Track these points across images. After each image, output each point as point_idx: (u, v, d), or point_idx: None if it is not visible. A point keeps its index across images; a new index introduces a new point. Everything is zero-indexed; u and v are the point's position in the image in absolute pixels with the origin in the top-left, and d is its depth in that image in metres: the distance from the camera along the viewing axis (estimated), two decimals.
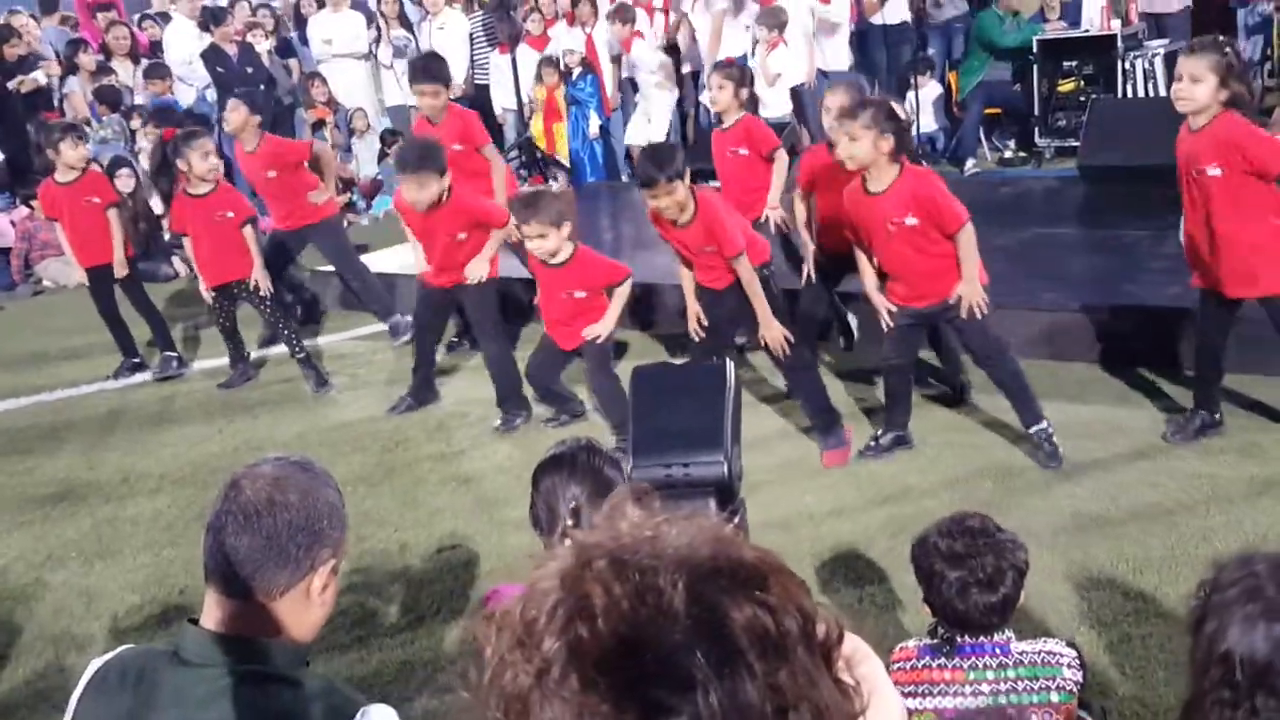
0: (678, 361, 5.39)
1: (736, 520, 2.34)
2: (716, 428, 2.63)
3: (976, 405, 5.26)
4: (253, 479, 1.79)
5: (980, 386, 5.17)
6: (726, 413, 2.71)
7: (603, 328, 5.21)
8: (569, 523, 2.30)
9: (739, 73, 6.24)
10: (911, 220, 4.51)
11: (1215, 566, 1.92)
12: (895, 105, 4.77)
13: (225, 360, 6.88)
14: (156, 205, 9.76)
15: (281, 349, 6.77)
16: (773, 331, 4.91)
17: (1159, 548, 3.95)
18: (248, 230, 6.41)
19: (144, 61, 10.99)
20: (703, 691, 0.77)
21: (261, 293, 6.40)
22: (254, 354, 6.94)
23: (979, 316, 4.60)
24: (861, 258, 4.84)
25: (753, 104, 9.90)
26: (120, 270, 6.78)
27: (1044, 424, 4.69)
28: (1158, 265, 6.30)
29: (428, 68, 6.59)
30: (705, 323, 5.12)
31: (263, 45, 11.30)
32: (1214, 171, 4.36)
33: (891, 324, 4.80)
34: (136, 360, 7.02)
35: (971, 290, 4.57)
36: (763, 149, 6.10)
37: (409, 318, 6.73)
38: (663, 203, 4.75)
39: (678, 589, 0.82)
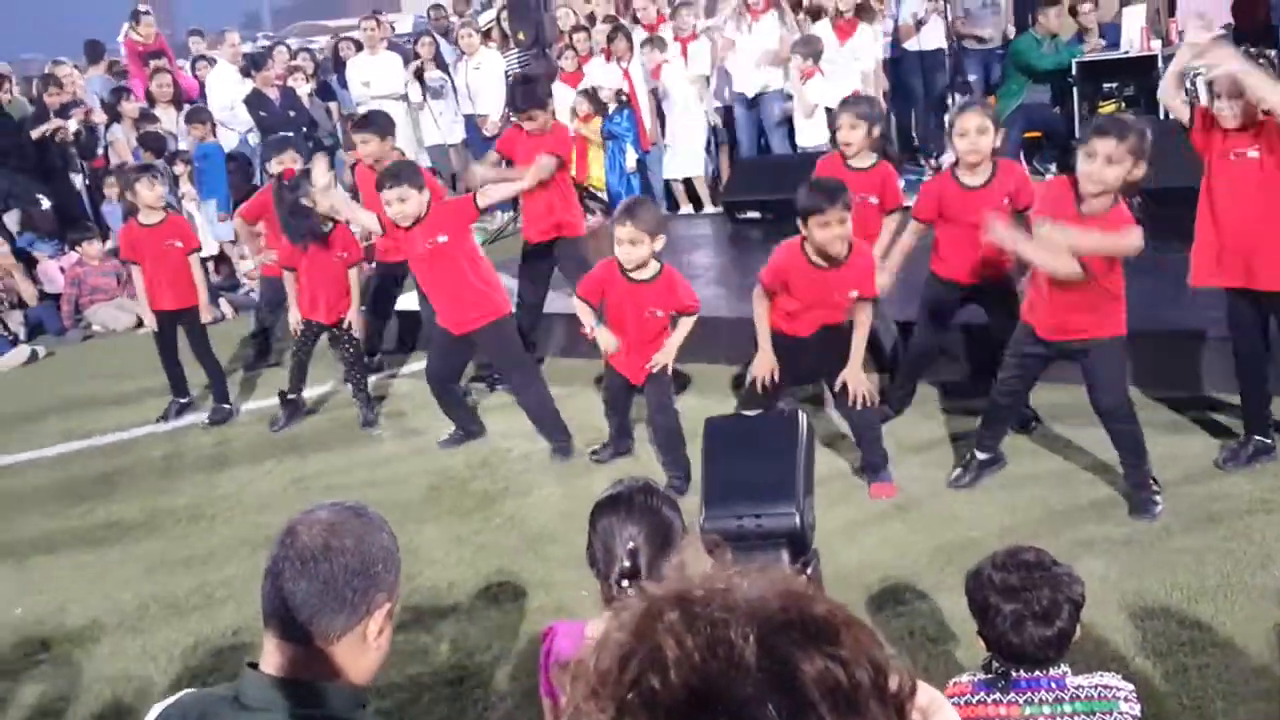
0: (750, 412, 5.34)
1: (809, 572, 2.34)
2: (789, 479, 2.62)
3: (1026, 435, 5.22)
4: (309, 525, 1.83)
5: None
6: (799, 463, 2.69)
7: (665, 357, 5.13)
8: (626, 564, 2.31)
9: (870, 110, 5.74)
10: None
11: None
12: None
13: (273, 401, 6.98)
14: (210, 246, 9.97)
15: (323, 389, 6.86)
16: (859, 381, 4.83)
17: (1214, 576, 3.89)
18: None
19: (186, 107, 11.20)
20: None
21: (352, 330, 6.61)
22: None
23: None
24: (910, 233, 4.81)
25: (790, 133, 10.02)
26: (206, 315, 6.93)
27: (1154, 488, 4.43)
28: (1209, 286, 6.21)
29: (527, 94, 6.71)
30: (778, 378, 4.97)
31: (304, 89, 11.51)
32: (1253, 154, 4.22)
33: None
34: (185, 400, 7.11)
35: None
36: (890, 203, 5.61)
37: None
38: (833, 232, 4.59)
39: (749, 641, 0.82)
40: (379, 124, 6.93)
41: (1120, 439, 4.50)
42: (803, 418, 2.54)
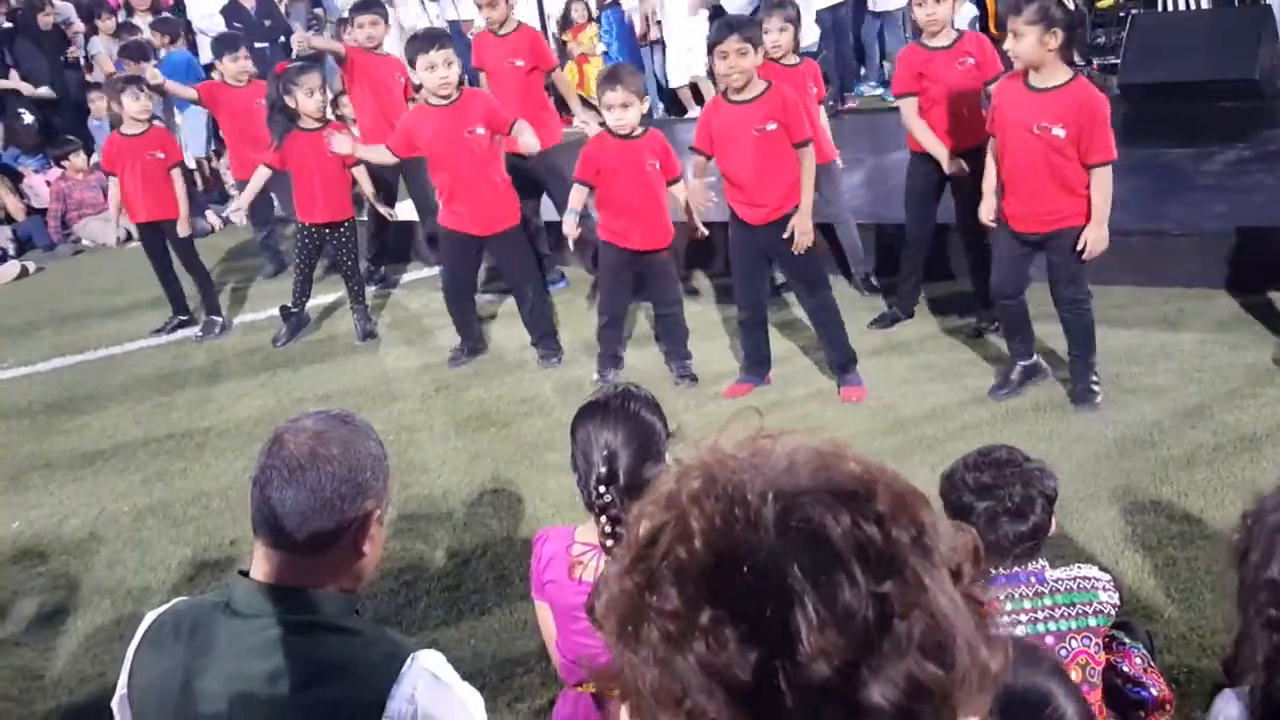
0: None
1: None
2: None
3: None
4: (295, 433, 1.81)
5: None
6: None
7: (805, 215, 4.86)
8: (602, 470, 2.30)
9: (795, 12, 5.93)
10: (1059, 131, 4.25)
11: (1257, 497, 1.91)
12: None
13: (265, 315, 6.94)
14: (188, 160, 9.80)
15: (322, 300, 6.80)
16: (804, 225, 4.82)
17: (1204, 471, 3.92)
18: (175, 172, 6.71)
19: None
20: (799, 601, 0.77)
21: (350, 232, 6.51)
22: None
23: (1094, 254, 4.38)
24: (991, 153, 4.62)
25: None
26: (184, 229, 6.81)
27: (1094, 377, 4.54)
28: (1201, 184, 6.19)
29: None
30: (734, 246, 5.05)
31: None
32: None
33: (990, 226, 4.65)
34: (185, 317, 7.07)
35: (1100, 236, 4.33)
36: (821, 95, 5.95)
37: None
38: (730, 63, 4.66)
39: (768, 501, 0.82)
40: (380, 6, 6.84)
41: (1072, 328, 4.57)
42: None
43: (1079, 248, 4.36)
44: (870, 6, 10.11)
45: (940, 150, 5.13)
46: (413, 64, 5.61)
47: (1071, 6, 4.46)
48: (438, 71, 5.38)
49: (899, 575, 0.80)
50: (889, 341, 5.54)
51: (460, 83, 5.60)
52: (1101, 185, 4.30)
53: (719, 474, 0.85)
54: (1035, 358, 4.79)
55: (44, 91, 10.78)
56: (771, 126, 4.74)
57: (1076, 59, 8.98)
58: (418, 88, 6.79)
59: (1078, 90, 4.28)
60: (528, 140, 5.62)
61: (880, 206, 6.42)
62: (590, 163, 5.12)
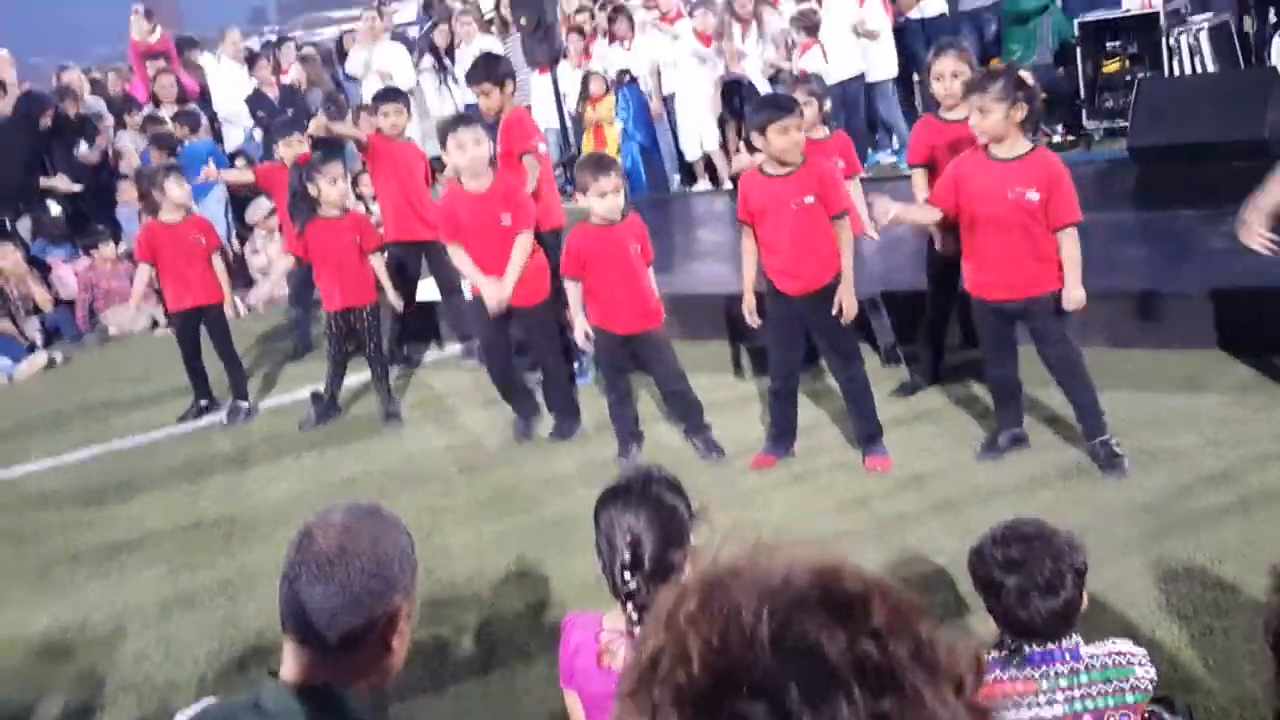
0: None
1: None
2: None
3: (1038, 401, 5.20)
4: (324, 528, 1.83)
5: (1038, 381, 5.05)
6: None
7: (848, 286, 4.93)
8: (626, 556, 2.30)
9: (821, 85, 6.06)
10: (1033, 195, 4.42)
11: (1277, 571, 1.89)
12: (1023, 73, 4.71)
13: (291, 399, 7.00)
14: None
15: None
16: (849, 299, 4.89)
17: (1235, 537, 3.88)
18: (217, 257, 6.90)
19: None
20: None
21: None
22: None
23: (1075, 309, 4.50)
24: (930, 210, 4.76)
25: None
26: (230, 310, 6.98)
27: (1107, 434, 4.58)
28: (1216, 245, 6.18)
29: (481, 67, 6.58)
30: (772, 316, 5.07)
31: (311, 82, 11.49)
32: None
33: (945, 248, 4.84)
34: (206, 402, 7.14)
35: (1079, 295, 4.47)
36: (853, 168, 5.94)
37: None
38: (791, 138, 4.76)
39: (763, 620, 0.82)
40: (404, 96, 7.06)
41: (1070, 387, 4.64)
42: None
43: (1058, 308, 4.51)
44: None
45: (931, 220, 5.09)
46: (441, 144, 5.69)
47: (1031, 82, 4.60)
48: (467, 150, 5.48)
49: (898, 691, 0.80)
50: (912, 410, 5.54)
51: (490, 162, 5.70)
52: (1072, 244, 4.48)
53: (715, 593, 0.85)
54: (1023, 426, 4.89)
55: (73, 186, 11.00)
56: (809, 200, 4.83)
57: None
58: (438, 170, 6.93)
59: (1043, 157, 4.56)
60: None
61: (895, 273, 6.45)
62: (575, 256, 5.20)
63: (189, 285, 6.83)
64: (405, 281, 7.21)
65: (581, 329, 5.32)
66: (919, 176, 5.41)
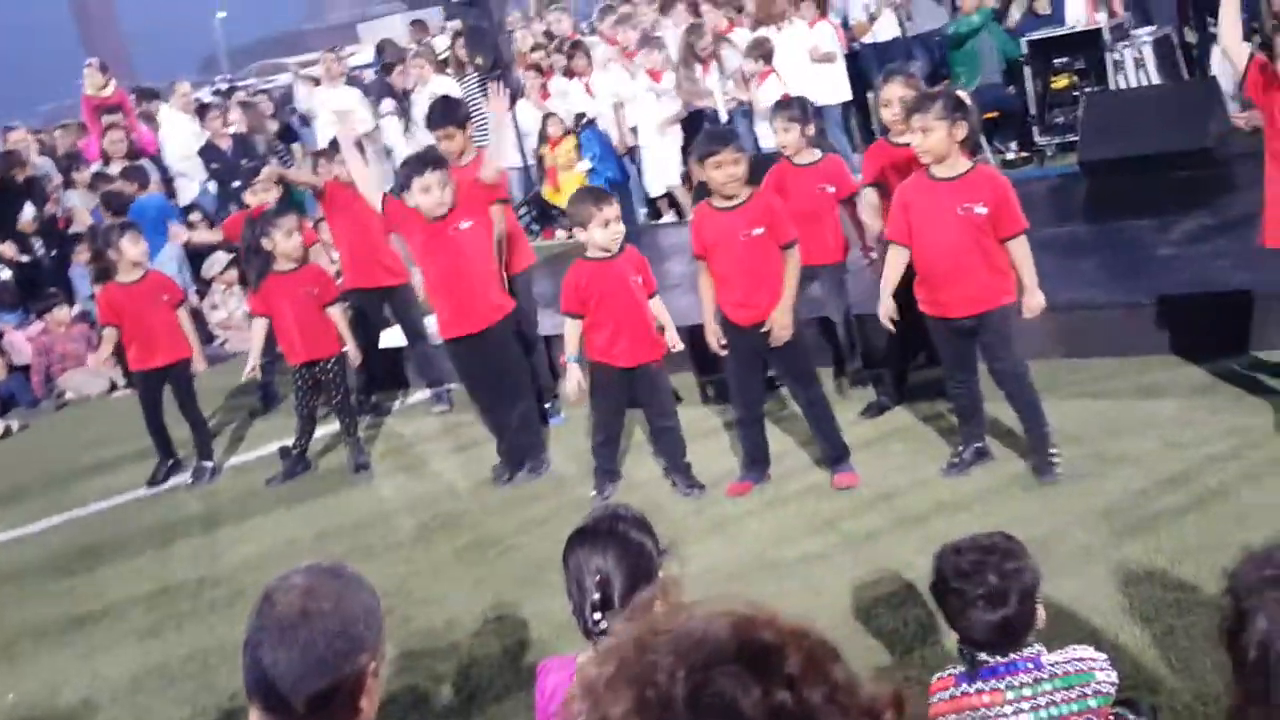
0: None
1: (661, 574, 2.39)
2: None
3: (1000, 415, 5.25)
4: (285, 590, 1.80)
5: (999, 395, 5.11)
6: None
7: (785, 310, 4.95)
8: (596, 597, 2.32)
9: (800, 108, 6.01)
10: (982, 209, 4.51)
11: (1230, 574, 1.94)
12: (961, 93, 4.78)
13: (256, 455, 6.95)
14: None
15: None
16: (784, 321, 4.93)
17: (1194, 536, 3.94)
18: (183, 311, 6.83)
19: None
20: None
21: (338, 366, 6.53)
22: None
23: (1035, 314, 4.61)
24: (894, 254, 4.80)
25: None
26: (199, 365, 6.88)
27: (1049, 448, 4.66)
28: (1165, 254, 6.32)
29: (441, 112, 6.57)
30: (728, 347, 5.12)
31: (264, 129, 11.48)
32: None
33: (893, 328, 4.91)
34: (173, 461, 7.05)
35: (1038, 300, 4.58)
36: (845, 190, 5.87)
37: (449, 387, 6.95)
38: (727, 172, 4.83)
39: (678, 681, 0.84)
40: (454, 117, 6.89)
41: (1017, 402, 4.73)
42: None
43: (1012, 321, 4.62)
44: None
45: (901, 264, 5.05)
46: (405, 187, 5.68)
47: (968, 102, 4.70)
48: (433, 194, 5.51)
49: None
50: (879, 430, 5.60)
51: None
52: (1023, 252, 4.59)
53: (632, 657, 0.88)
54: (985, 441, 4.96)
55: (20, 256, 10.86)
56: (758, 231, 4.90)
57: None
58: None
59: (985, 172, 4.70)
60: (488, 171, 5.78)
61: (861, 297, 6.50)
62: (575, 292, 5.16)
63: (155, 344, 6.73)
64: (367, 330, 7.21)
65: (574, 381, 5.28)
66: (871, 194, 5.53)
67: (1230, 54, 4.75)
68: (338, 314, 6.56)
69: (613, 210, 5.06)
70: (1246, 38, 4.84)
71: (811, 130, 5.95)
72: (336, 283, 6.98)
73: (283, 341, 6.56)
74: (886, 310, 4.86)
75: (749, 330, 5.01)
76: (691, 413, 6.22)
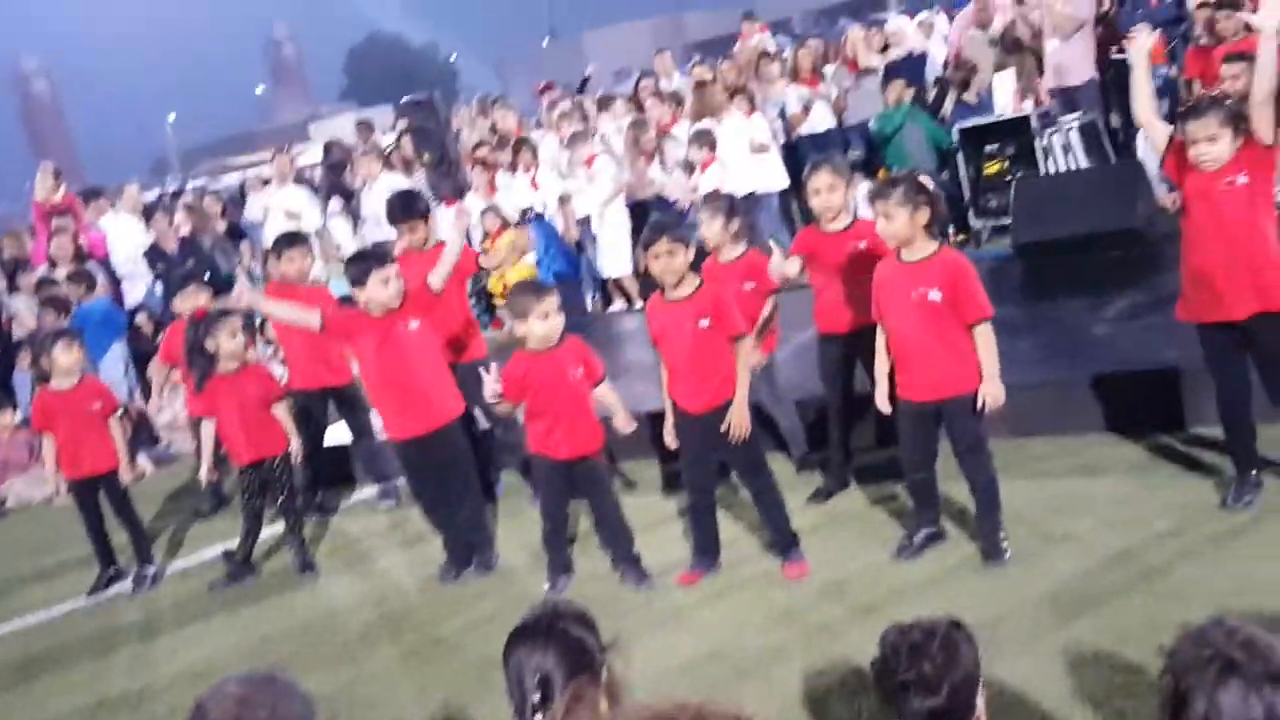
0: None
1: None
2: None
3: (950, 495, 5.29)
4: (218, 700, 1.80)
5: (948, 474, 5.14)
6: None
7: (741, 406, 5.01)
8: (535, 697, 2.29)
9: (727, 204, 6.11)
10: (935, 295, 4.57)
11: (1169, 653, 1.97)
12: (923, 178, 4.83)
13: (199, 559, 6.82)
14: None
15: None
16: (740, 417, 4.97)
17: (1138, 616, 3.97)
18: (113, 420, 6.77)
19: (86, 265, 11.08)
20: None
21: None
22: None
23: (994, 409, 4.62)
24: (880, 338, 4.89)
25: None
26: (126, 476, 6.79)
27: (999, 532, 4.71)
28: (1100, 332, 6.46)
29: (406, 205, 6.73)
30: (680, 433, 5.17)
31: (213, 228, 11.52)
32: (1242, 180, 4.43)
33: (888, 413, 4.91)
34: (115, 568, 6.91)
35: (996, 391, 4.59)
36: (765, 286, 5.87)
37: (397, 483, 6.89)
38: (661, 264, 4.94)
39: None
40: (305, 239, 7.24)
41: (979, 489, 4.75)
42: None
43: (977, 408, 4.60)
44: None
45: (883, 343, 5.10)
46: (360, 281, 5.65)
47: (931, 187, 4.80)
48: (391, 286, 5.56)
49: None
50: (827, 515, 5.62)
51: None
52: (985, 342, 4.62)
53: None
54: (940, 524, 4.98)
55: None
56: (705, 323, 4.97)
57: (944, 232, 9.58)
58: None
59: (945, 256, 4.72)
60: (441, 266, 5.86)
61: (807, 380, 6.57)
62: (513, 383, 5.21)
63: (84, 452, 6.68)
64: (312, 429, 7.16)
65: (491, 380, 5.24)
66: (792, 263, 5.60)
67: (1149, 131, 4.89)
68: (282, 411, 6.52)
69: (551, 303, 5.11)
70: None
71: (736, 225, 5.97)
72: (280, 381, 6.94)
73: (227, 442, 6.50)
74: (882, 394, 4.90)
75: (700, 417, 5.05)
76: (648, 500, 6.25)
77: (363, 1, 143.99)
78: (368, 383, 5.89)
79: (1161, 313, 6.38)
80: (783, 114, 11.33)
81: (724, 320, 5.01)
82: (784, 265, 5.58)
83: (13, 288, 11.25)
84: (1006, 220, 9.22)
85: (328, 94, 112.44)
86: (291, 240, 7.36)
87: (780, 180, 10.77)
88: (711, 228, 5.92)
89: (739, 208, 6.27)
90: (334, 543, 6.92)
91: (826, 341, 5.64)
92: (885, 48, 11.43)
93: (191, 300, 7.31)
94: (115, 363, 10.09)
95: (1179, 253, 4.75)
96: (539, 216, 11.15)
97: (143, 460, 9.49)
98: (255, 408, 6.38)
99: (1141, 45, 4.71)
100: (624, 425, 5.38)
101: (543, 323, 5.09)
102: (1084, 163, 9.57)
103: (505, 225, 11.00)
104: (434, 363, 5.80)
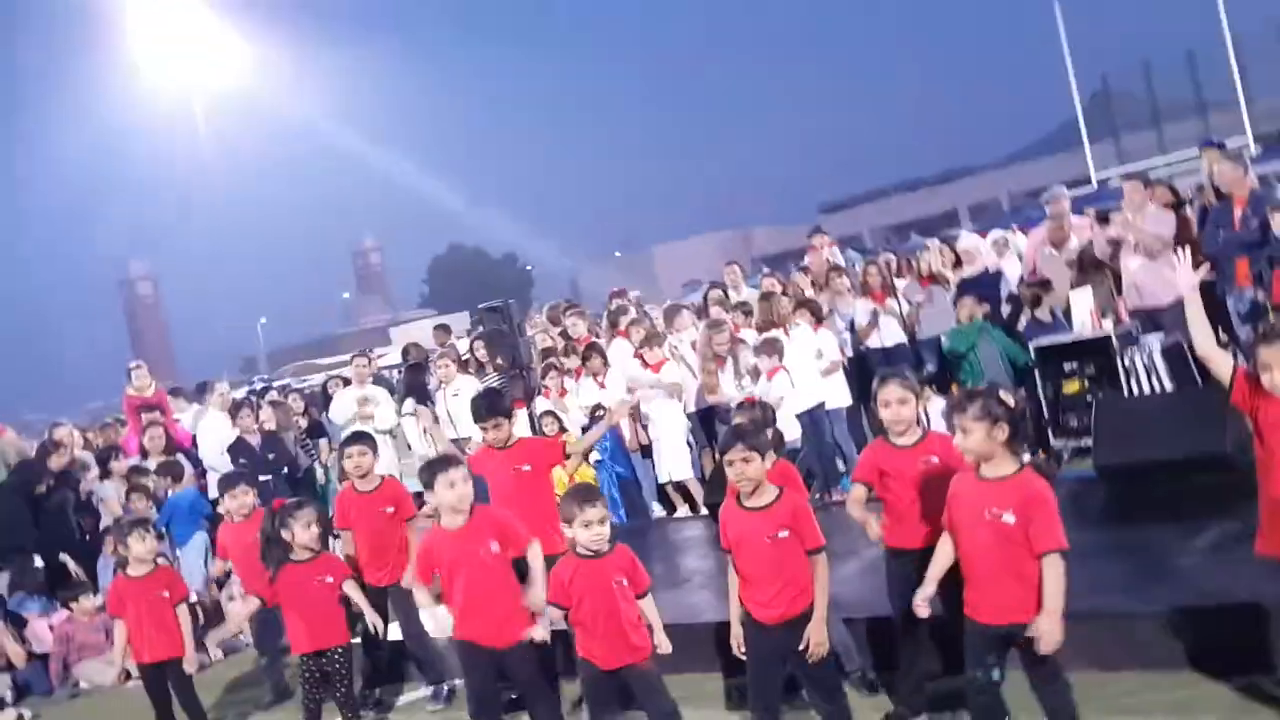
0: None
1: None
2: None
3: None
4: None
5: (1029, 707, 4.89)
6: None
7: (819, 622, 4.94)
8: None
9: (761, 412, 6.20)
10: (1009, 518, 4.45)
11: None
12: (1003, 393, 4.77)
13: None
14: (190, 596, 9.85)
15: None
16: (819, 636, 4.87)
17: None
18: (182, 609, 6.91)
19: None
20: None
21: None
22: None
23: (1049, 647, 4.42)
24: (942, 542, 4.79)
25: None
26: (190, 666, 6.90)
27: None
28: (1190, 561, 6.22)
29: (491, 404, 6.91)
30: (749, 644, 5.07)
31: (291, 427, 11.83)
32: None
33: (924, 616, 4.79)
34: None
35: (1051, 628, 4.38)
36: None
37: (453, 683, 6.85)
38: (736, 470, 4.91)
39: None
40: (369, 439, 7.46)
41: (1056, 716, 4.54)
42: None
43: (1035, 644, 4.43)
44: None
45: (947, 557, 4.96)
46: (429, 485, 5.77)
47: (1011, 402, 4.73)
48: (457, 488, 5.61)
49: None
50: None
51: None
52: (1053, 575, 4.41)
53: None
54: None
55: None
56: (784, 534, 4.93)
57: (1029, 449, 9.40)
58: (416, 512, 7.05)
59: (1024, 479, 4.55)
60: (535, 595, 5.66)
61: (872, 597, 6.39)
62: (559, 587, 5.21)
63: (153, 639, 6.83)
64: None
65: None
66: (859, 491, 5.50)
67: (1211, 364, 4.80)
68: (355, 590, 6.56)
69: (595, 513, 5.11)
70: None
71: (769, 463, 5.41)
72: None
73: (291, 631, 6.54)
74: (925, 595, 4.78)
75: (773, 628, 4.96)
76: (710, 713, 6.02)
77: (447, 214, 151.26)
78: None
79: (1253, 544, 6.17)
80: (851, 327, 11.41)
81: (804, 531, 4.96)
82: (867, 529, 5.43)
83: (105, 474, 11.59)
84: (1087, 441, 9.06)
85: (409, 301, 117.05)
86: (353, 439, 7.57)
87: (845, 396, 10.76)
88: (749, 466, 5.79)
89: (769, 417, 6.41)
90: None
91: (895, 557, 5.48)
92: (957, 263, 11.54)
93: (240, 499, 7.48)
94: (198, 551, 10.30)
95: None
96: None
97: (211, 649, 9.50)
98: (323, 596, 6.45)
99: (1191, 278, 4.70)
100: (661, 645, 5.27)
101: (585, 530, 5.13)
102: (1168, 384, 9.43)
103: (564, 430, 11.12)
104: (509, 583, 5.73)
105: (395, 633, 7.46)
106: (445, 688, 7.12)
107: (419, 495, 9.13)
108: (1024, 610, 4.47)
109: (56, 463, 11.35)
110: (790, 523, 4.94)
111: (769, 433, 6.08)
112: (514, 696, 6.23)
